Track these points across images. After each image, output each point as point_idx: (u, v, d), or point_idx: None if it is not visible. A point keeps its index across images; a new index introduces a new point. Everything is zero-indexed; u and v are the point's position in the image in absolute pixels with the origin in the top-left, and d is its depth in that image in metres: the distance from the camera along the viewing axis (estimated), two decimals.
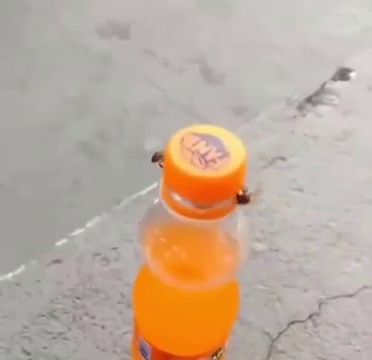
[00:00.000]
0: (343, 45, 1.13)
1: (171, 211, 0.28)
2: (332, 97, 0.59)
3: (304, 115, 0.57)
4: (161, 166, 0.28)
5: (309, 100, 0.59)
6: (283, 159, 0.53)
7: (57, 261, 0.45)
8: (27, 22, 1.18)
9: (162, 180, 0.29)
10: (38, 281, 0.44)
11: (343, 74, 0.62)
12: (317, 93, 0.60)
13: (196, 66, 1.19)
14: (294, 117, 0.57)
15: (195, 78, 1.17)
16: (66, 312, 0.43)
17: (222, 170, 0.27)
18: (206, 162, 0.27)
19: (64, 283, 0.44)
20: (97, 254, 0.46)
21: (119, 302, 0.43)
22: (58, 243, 0.46)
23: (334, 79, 0.62)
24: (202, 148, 0.28)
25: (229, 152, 0.28)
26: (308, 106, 0.58)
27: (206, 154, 0.28)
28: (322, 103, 0.59)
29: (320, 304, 0.45)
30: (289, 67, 1.14)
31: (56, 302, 0.43)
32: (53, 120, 1.05)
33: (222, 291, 0.32)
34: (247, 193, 0.29)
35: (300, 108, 0.58)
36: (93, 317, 0.42)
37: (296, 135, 0.55)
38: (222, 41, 1.20)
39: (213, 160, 0.28)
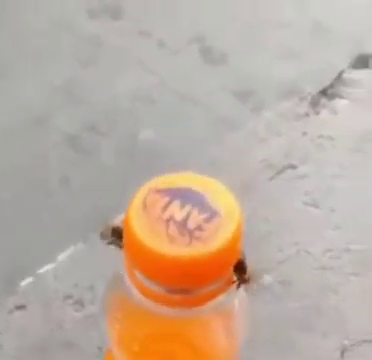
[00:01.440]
0: (361, 23, 1.04)
1: (141, 296, 0.20)
2: (351, 89, 0.51)
3: (318, 112, 0.49)
4: (118, 246, 0.20)
5: (324, 93, 0.50)
6: (293, 167, 0.45)
7: (21, 307, 0.37)
8: (8, 2, 1.10)
9: (125, 259, 0.21)
10: None
11: (363, 61, 0.53)
12: (333, 84, 0.51)
13: (195, 46, 1.10)
14: (306, 115, 0.48)
15: (194, 60, 1.08)
16: None
17: (217, 239, 0.19)
18: (190, 233, 0.19)
19: (28, 334, 0.36)
20: (69, 296, 0.38)
21: (96, 356, 0.35)
22: (23, 283, 0.38)
23: (353, 67, 0.53)
24: (177, 212, 0.20)
25: (217, 210, 0.20)
26: (323, 101, 0.50)
27: (185, 220, 0.20)
28: (339, 96, 0.50)
29: (343, 352, 0.37)
30: (299, 46, 1.06)
31: (19, 359, 0.35)
32: (38, 111, 0.98)
33: None
34: (245, 264, 0.21)
35: (313, 103, 0.49)
36: None
37: (309, 137, 0.47)
38: (223, 18, 1.11)
39: (199, 227, 0.20)
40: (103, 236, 0.21)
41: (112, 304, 0.23)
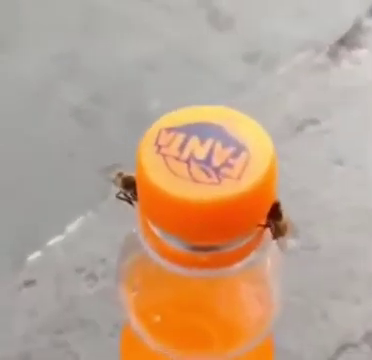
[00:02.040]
0: None
1: (159, 258, 0.17)
2: (370, 37, 0.47)
3: (338, 63, 0.45)
4: (131, 199, 0.17)
5: (342, 43, 0.47)
6: (316, 123, 0.42)
7: (30, 283, 0.35)
8: None
9: (139, 215, 0.18)
10: (5, 313, 0.34)
11: None
12: (351, 33, 0.48)
13: (201, 10, 1.05)
14: (326, 66, 0.45)
15: (200, 24, 1.04)
16: (43, 353, 0.32)
17: (250, 176, 0.16)
18: (216, 171, 0.16)
19: (39, 312, 0.34)
20: (81, 270, 0.35)
21: (111, 335, 0.33)
22: (31, 257, 0.36)
23: (369, 14, 0.50)
24: (198, 149, 0.17)
25: (243, 142, 0.17)
26: (342, 51, 0.46)
27: (209, 157, 0.17)
28: (359, 46, 0.46)
29: None
30: (309, 3, 1.01)
31: (30, 340, 0.33)
32: (40, 83, 0.95)
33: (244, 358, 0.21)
34: (281, 207, 0.18)
35: (332, 54, 0.46)
36: (79, 358, 0.32)
37: (330, 90, 0.43)
38: None
39: (226, 164, 0.16)
40: (115, 183, 0.18)
41: (127, 270, 0.20)
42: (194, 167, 0.16)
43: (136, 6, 1.06)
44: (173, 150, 0.16)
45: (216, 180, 0.16)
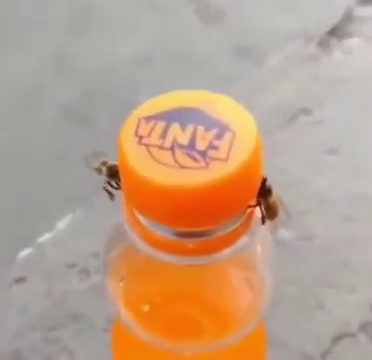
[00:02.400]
0: None
1: (147, 248, 0.17)
2: (362, 27, 0.47)
3: (329, 53, 0.45)
4: (114, 187, 0.17)
5: (333, 33, 0.46)
6: (308, 113, 0.41)
7: (20, 280, 0.34)
8: None
9: (125, 204, 0.17)
10: None
11: None
12: (342, 23, 0.47)
13: (190, 5, 1.05)
14: (316, 57, 0.45)
15: (190, 19, 1.04)
16: (35, 350, 0.32)
17: (237, 156, 0.16)
18: (202, 154, 0.16)
19: (30, 309, 0.33)
20: (72, 265, 0.35)
21: (105, 330, 0.32)
22: (21, 254, 0.35)
23: (360, 3, 0.49)
24: (180, 135, 0.16)
25: (226, 123, 0.16)
26: (333, 41, 0.46)
27: (193, 142, 0.16)
28: (350, 35, 0.46)
29: None
30: None
31: (21, 337, 0.32)
32: (30, 82, 0.94)
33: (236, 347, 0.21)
34: (270, 185, 0.18)
35: (323, 44, 0.45)
36: (72, 354, 0.32)
37: (322, 80, 0.43)
38: None
39: (211, 146, 0.16)
40: (97, 171, 0.18)
41: (115, 261, 0.20)
42: (179, 153, 0.15)
43: (125, 3, 1.05)
44: (155, 139, 0.16)
45: (204, 164, 0.15)
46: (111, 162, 0.18)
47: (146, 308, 0.19)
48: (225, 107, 0.16)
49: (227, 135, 0.16)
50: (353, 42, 0.46)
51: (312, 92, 0.42)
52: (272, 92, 0.42)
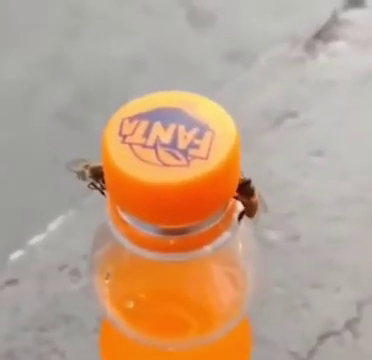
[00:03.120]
0: None
1: (131, 245, 0.18)
2: (347, 30, 0.47)
3: (315, 56, 0.45)
4: (101, 189, 0.18)
5: (318, 36, 0.47)
6: (294, 115, 0.42)
7: (12, 282, 0.35)
8: None
9: (109, 203, 0.18)
10: None
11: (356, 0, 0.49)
12: (327, 26, 0.48)
13: (182, 10, 1.06)
14: (302, 60, 0.45)
15: (181, 23, 1.04)
16: (27, 351, 0.32)
17: (217, 154, 0.17)
18: (184, 153, 0.17)
19: (22, 311, 0.34)
20: (64, 267, 0.35)
21: (96, 331, 0.33)
22: (13, 256, 0.36)
23: (346, 7, 0.50)
24: (162, 134, 0.17)
25: (205, 123, 0.17)
26: (318, 44, 0.46)
27: (175, 141, 0.17)
28: (335, 38, 0.47)
29: (359, 306, 0.34)
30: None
31: (13, 338, 0.33)
32: (24, 86, 0.94)
33: (221, 343, 0.22)
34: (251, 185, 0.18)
35: (308, 47, 0.46)
36: (64, 355, 0.32)
37: (307, 83, 0.44)
38: None
39: (192, 145, 0.17)
40: (80, 175, 0.19)
41: (101, 259, 0.20)
42: (161, 152, 0.16)
43: (118, 7, 1.06)
44: (138, 138, 0.16)
45: (185, 162, 0.16)
46: (94, 164, 0.19)
47: (131, 305, 0.19)
48: (205, 108, 0.17)
49: (207, 134, 0.16)
50: (338, 45, 0.47)
51: (298, 95, 0.43)
52: (259, 95, 0.43)
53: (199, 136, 0.16)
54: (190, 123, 0.17)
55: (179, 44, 1.01)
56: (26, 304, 0.34)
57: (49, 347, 0.32)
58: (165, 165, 0.16)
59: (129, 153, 0.16)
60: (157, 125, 0.17)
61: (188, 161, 0.16)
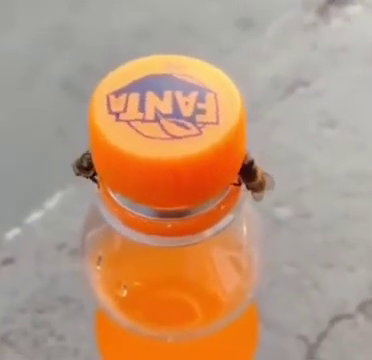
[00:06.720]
0: None
1: (125, 228, 0.16)
2: None
3: (328, 21, 0.43)
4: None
5: (332, 0, 0.44)
6: (305, 84, 0.40)
7: (8, 261, 0.33)
8: None
9: (102, 187, 0.16)
10: None
11: None
12: None
13: None
14: (315, 25, 0.43)
15: None
16: (24, 334, 0.31)
17: (227, 117, 0.15)
18: (192, 121, 0.15)
19: (19, 291, 0.32)
20: (62, 245, 0.34)
21: (95, 313, 0.31)
22: (9, 235, 0.34)
23: None
24: (160, 105, 0.15)
25: (203, 84, 0.15)
26: (332, 8, 0.44)
27: (177, 109, 0.15)
28: (350, 2, 0.44)
29: None
30: None
31: (10, 321, 0.32)
32: (29, 58, 0.93)
33: (224, 333, 0.20)
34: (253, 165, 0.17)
35: (321, 12, 0.44)
36: (62, 338, 0.31)
37: (320, 49, 0.41)
38: None
39: (198, 111, 0.15)
40: (79, 168, 0.17)
41: (92, 243, 0.18)
42: (166, 123, 0.14)
43: None
44: (134, 113, 0.14)
45: (196, 130, 0.14)
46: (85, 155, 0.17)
47: (125, 293, 0.18)
48: (195, 69, 0.15)
49: (209, 96, 0.15)
50: (353, 9, 0.44)
51: (310, 62, 0.41)
52: (268, 63, 0.41)
53: (201, 99, 0.14)
54: (186, 87, 0.15)
55: (188, 12, 0.98)
56: (23, 285, 0.32)
57: (47, 330, 0.31)
58: (175, 137, 0.14)
59: (129, 132, 0.14)
60: (150, 95, 0.15)
61: (199, 129, 0.14)
